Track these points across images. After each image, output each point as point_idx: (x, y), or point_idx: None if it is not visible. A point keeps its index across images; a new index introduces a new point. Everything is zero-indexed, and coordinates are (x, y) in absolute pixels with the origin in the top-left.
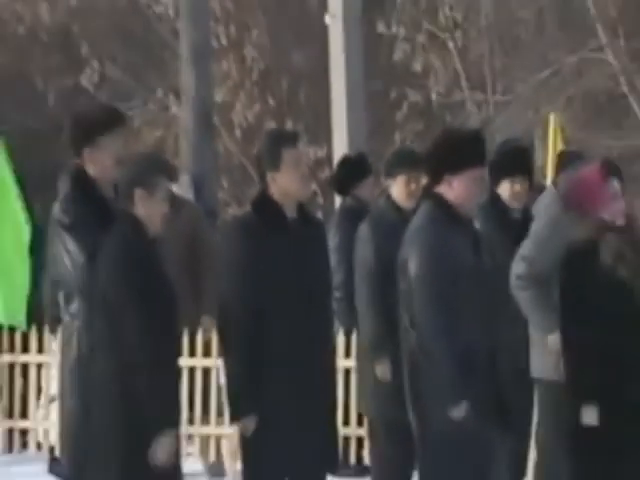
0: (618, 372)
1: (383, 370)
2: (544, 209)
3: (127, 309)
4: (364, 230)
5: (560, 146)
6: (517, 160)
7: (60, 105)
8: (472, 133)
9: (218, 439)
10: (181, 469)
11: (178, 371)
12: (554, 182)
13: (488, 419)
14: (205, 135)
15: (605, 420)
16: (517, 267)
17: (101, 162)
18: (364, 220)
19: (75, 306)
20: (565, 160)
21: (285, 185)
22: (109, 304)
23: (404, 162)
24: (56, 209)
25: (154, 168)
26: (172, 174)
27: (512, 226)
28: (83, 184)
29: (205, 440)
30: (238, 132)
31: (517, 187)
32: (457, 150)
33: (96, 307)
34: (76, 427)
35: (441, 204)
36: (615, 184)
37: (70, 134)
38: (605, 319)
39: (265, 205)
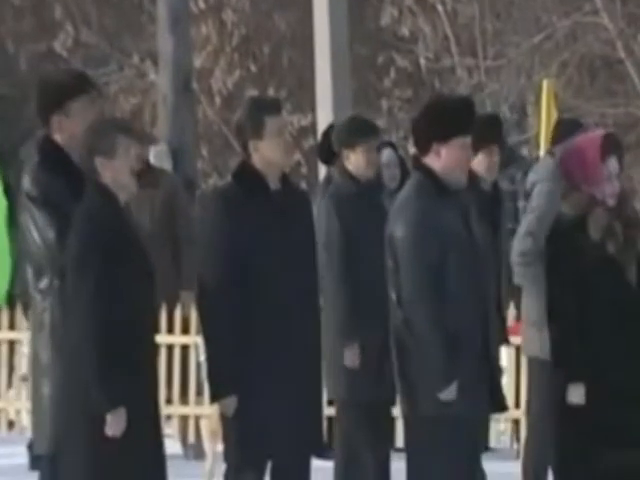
0: (604, 351)
1: (352, 356)
2: (542, 181)
3: (100, 281)
4: (324, 208)
5: (554, 113)
6: (493, 130)
7: (32, 71)
8: (461, 100)
9: (197, 419)
10: (163, 451)
11: (155, 347)
12: (550, 152)
13: (480, 402)
14: (184, 102)
15: (590, 400)
16: (522, 243)
17: (71, 130)
18: (324, 197)
19: (45, 283)
20: (563, 129)
21: (268, 154)
22: (80, 275)
23: (364, 131)
24: (25, 181)
25: (107, 130)
26: (127, 127)
27: (484, 199)
28: (52, 154)
29: (184, 420)
30: (218, 99)
31: (494, 158)
32: (446, 118)
33: (67, 280)
34: (52, 407)
35: (429, 175)
36: (614, 163)
37: (38, 100)
38: (592, 297)
39: (247, 175)
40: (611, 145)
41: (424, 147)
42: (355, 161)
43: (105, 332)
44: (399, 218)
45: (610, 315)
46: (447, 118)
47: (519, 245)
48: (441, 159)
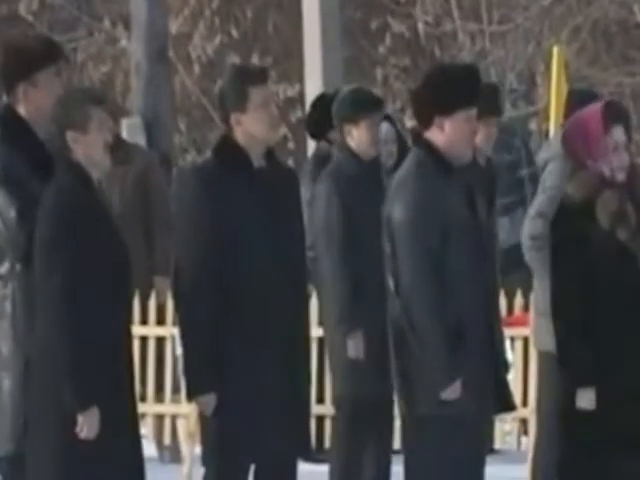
0: (614, 351)
1: (355, 345)
2: (555, 159)
3: (72, 268)
4: (323, 188)
5: (565, 83)
6: (492, 100)
7: None
8: (466, 68)
9: (174, 419)
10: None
11: (130, 340)
12: (563, 126)
13: (485, 401)
14: (159, 71)
15: (601, 404)
16: (532, 226)
17: (37, 102)
18: (322, 177)
19: (6, 267)
20: (576, 100)
21: (252, 129)
22: (50, 261)
23: (368, 104)
24: None
25: (78, 102)
26: (101, 98)
27: (479, 175)
28: (14, 126)
29: (159, 420)
30: (197, 68)
31: (492, 129)
32: (450, 88)
33: (35, 266)
34: (13, 403)
35: (431, 151)
36: (619, 133)
37: (2, 67)
38: (600, 291)
39: (228, 151)
40: (615, 114)
41: (426, 120)
42: (358, 137)
43: (77, 324)
44: (397, 199)
45: (621, 311)
46: (451, 89)
47: (529, 227)
48: (445, 133)
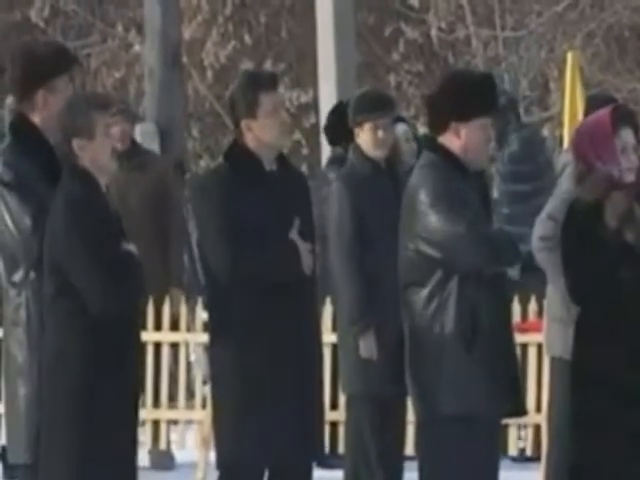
0: (624, 352)
1: (368, 346)
2: (571, 163)
3: (83, 281)
4: (335, 189)
5: (579, 89)
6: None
7: (5, 42)
8: (483, 77)
9: (185, 425)
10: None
11: (140, 345)
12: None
13: (503, 401)
14: (172, 77)
15: (609, 405)
16: (543, 227)
17: (54, 108)
18: (335, 178)
19: (20, 275)
20: (594, 105)
21: (262, 135)
22: (62, 274)
23: (370, 107)
24: None
25: (82, 109)
26: (105, 103)
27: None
28: (26, 134)
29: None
30: (210, 74)
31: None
32: (468, 95)
33: (46, 278)
34: (29, 410)
35: (446, 155)
36: (628, 135)
37: (19, 75)
38: (610, 290)
39: (239, 156)
40: (622, 116)
41: (440, 125)
42: (364, 140)
43: (92, 331)
44: (415, 192)
45: (630, 313)
46: (470, 95)
47: (540, 229)
48: (461, 139)
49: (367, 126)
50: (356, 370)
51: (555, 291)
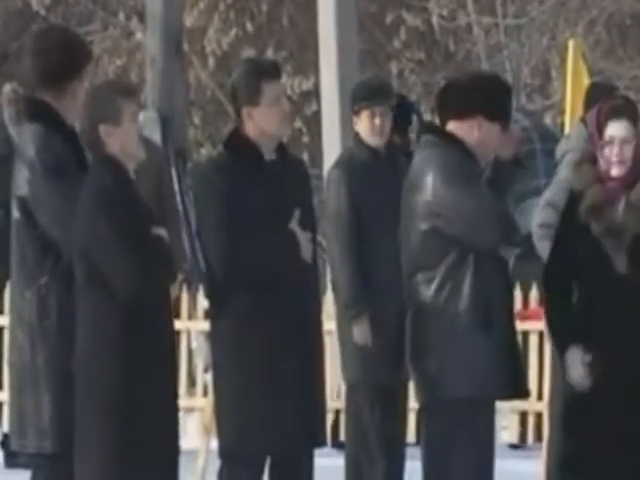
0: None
1: (362, 332)
2: (572, 150)
3: (112, 267)
4: (333, 174)
5: (585, 77)
6: None
7: (7, 30)
8: (509, 88)
9: (186, 412)
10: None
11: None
12: (583, 119)
13: (510, 382)
14: (174, 65)
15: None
16: (543, 214)
17: (79, 95)
18: (334, 164)
19: (45, 279)
20: (596, 93)
21: (263, 123)
22: (91, 262)
23: (367, 95)
24: (29, 150)
25: (109, 95)
26: (132, 90)
27: None
28: (55, 121)
29: None
30: (211, 62)
31: None
32: (502, 99)
33: (76, 266)
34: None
35: (453, 140)
36: (616, 127)
37: (54, 63)
38: (578, 282)
39: (239, 144)
40: (614, 108)
41: (462, 115)
42: (362, 128)
43: (124, 318)
44: (428, 171)
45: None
46: (503, 99)
47: (538, 216)
48: (480, 134)
49: (364, 114)
50: (355, 358)
51: None
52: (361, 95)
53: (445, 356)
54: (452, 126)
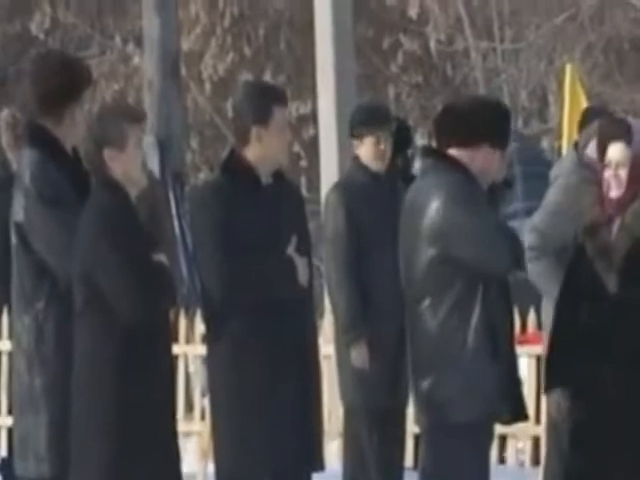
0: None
1: (360, 356)
2: (562, 175)
3: (113, 290)
4: (332, 197)
5: (582, 101)
6: None
7: (5, 54)
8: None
9: (184, 437)
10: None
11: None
12: (576, 144)
13: (511, 406)
14: (171, 89)
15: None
16: (527, 237)
17: (78, 120)
18: (332, 187)
19: (41, 304)
20: (589, 116)
21: (269, 145)
22: (91, 285)
23: (371, 120)
24: (25, 176)
25: (115, 119)
26: (138, 115)
27: None
28: (52, 146)
29: None
30: (209, 86)
31: None
32: (506, 126)
33: (76, 290)
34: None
35: (455, 164)
36: (613, 150)
37: (52, 88)
38: (571, 302)
39: (237, 167)
40: (610, 132)
41: (467, 141)
42: (364, 152)
43: (122, 342)
44: (434, 195)
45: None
46: (506, 127)
47: (526, 239)
48: (483, 161)
49: (369, 139)
50: (353, 382)
51: (547, 302)
52: (361, 120)
53: (451, 382)
54: (454, 152)
